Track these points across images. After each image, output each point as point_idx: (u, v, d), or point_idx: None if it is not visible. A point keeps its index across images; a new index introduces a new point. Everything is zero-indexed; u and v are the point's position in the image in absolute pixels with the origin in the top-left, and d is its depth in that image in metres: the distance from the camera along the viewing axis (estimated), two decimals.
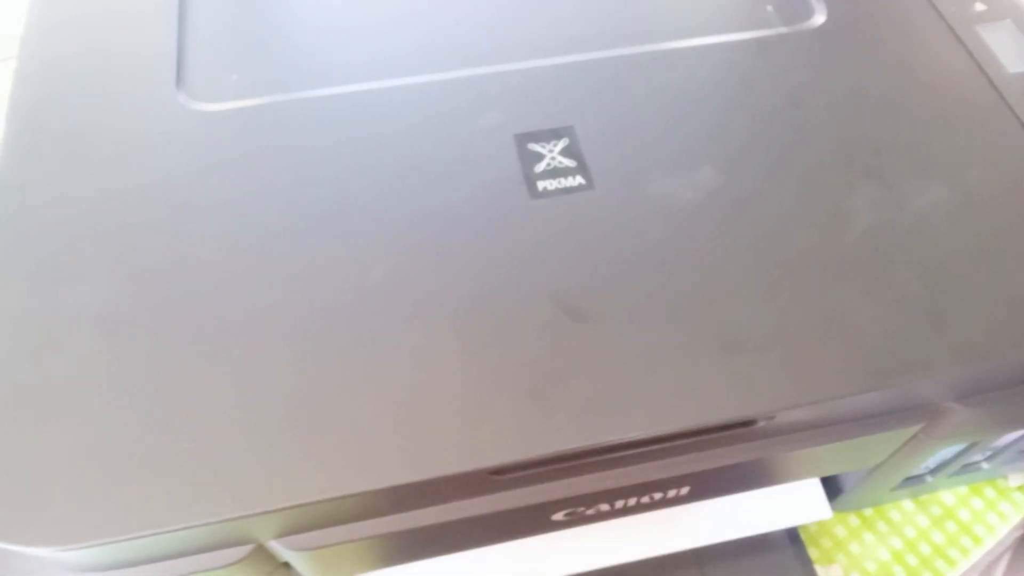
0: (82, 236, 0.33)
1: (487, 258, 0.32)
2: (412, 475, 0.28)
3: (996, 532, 0.46)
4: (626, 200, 0.34)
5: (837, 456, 0.34)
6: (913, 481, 0.44)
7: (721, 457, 0.32)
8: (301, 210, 0.33)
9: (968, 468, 0.44)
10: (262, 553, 0.30)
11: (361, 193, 0.34)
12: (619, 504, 0.33)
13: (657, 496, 0.33)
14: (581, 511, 0.33)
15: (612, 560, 0.39)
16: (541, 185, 0.34)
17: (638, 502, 0.33)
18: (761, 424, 0.30)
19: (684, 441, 0.30)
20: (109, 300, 0.31)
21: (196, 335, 0.30)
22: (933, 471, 0.43)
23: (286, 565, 0.32)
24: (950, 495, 0.47)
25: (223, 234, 0.33)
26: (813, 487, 0.41)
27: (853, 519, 0.46)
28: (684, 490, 0.33)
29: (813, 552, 0.44)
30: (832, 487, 0.44)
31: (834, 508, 0.43)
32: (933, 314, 0.31)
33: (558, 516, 0.33)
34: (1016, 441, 0.42)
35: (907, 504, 0.46)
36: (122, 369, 0.29)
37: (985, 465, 0.44)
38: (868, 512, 0.46)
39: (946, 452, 0.40)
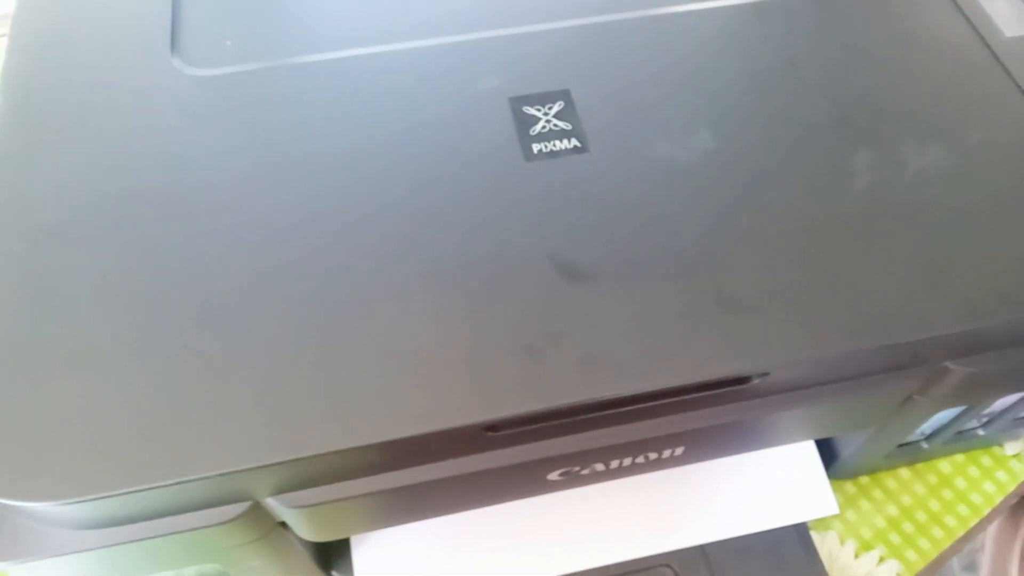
0: (81, 200, 0.33)
1: (482, 218, 0.32)
2: (407, 430, 0.28)
3: (992, 500, 0.46)
4: (622, 162, 0.34)
5: (833, 417, 0.34)
6: (909, 448, 0.44)
7: (716, 416, 0.32)
8: (297, 173, 0.33)
9: (964, 435, 0.44)
10: (259, 511, 0.30)
11: (357, 156, 0.34)
12: (614, 464, 0.33)
13: (652, 456, 0.33)
14: (576, 470, 0.33)
15: (615, 557, 0.39)
16: (536, 147, 0.34)
17: (633, 462, 0.33)
18: (756, 381, 0.31)
19: (679, 398, 0.30)
20: (108, 262, 0.31)
21: (194, 295, 0.30)
22: (929, 437, 0.43)
23: (283, 524, 0.32)
24: (946, 463, 0.47)
25: (220, 197, 0.33)
26: (820, 481, 0.42)
27: (849, 487, 0.46)
28: (679, 450, 0.33)
29: None
30: (828, 453, 0.44)
31: (830, 476, 0.44)
32: (931, 273, 0.31)
33: (553, 476, 0.33)
34: (1012, 407, 0.42)
35: (903, 472, 0.46)
36: (121, 328, 0.29)
37: (981, 432, 0.44)
38: (864, 480, 0.46)
39: (942, 416, 0.40)
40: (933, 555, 0.44)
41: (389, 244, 0.31)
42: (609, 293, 0.30)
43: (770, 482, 0.42)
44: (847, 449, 0.42)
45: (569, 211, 0.32)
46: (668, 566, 0.40)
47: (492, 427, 0.29)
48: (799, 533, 0.41)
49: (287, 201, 0.32)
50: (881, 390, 0.33)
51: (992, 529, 0.57)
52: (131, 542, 0.29)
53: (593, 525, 0.40)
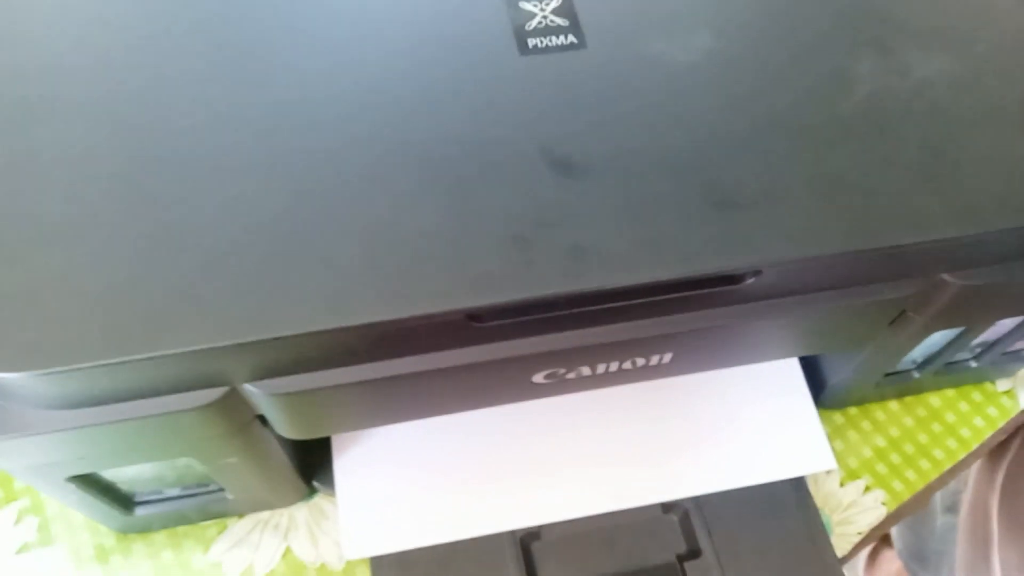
0: (52, 77, 0.31)
1: (474, 111, 0.31)
2: (389, 313, 0.27)
3: (982, 435, 0.46)
4: (619, 59, 0.33)
5: (824, 329, 0.34)
6: (899, 377, 0.43)
7: (705, 319, 0.31)
8: (288, 60, 0.32)
9: (956, 367, 0.44)
10: (236, 398, 0.29)
11: (350, 46, 0.32)
12: (601, 368, 0.32)
13: (640, 362, 0.33)
14: (562, 373, 0.32)
15: (610, 506, 0.39)
16: (531, 42, 0.33)
17: (620, 368, 0.33)
18: (748, 281, 0.30)
19: (668, 296, 0.30)
20: (84, 136, 0.30)
21: (175, 170, 0.29)
22: (920, 367, 0.43)
23: (261, 418, 0.32)
24: (936, 398, 0.46)
25: (207, 77, 0.31)
26: (818, 436, 0.41)
27: (838, 417, 0.45)
28: (667, 356, 0.33)
29: None
30: (817, 381, 0.43)
31: (818, 406, 0.43)
32: (931, 177, 0.30)
33: (539, 378, 0.32)
34: (1005, 338, 0.41)
35: (892, 405, 0.46)
36: (98, 201, 0.28)
37: (973, 364, 0.44)
38: (853, 411, 0.46)
39: (934, 343, 0.40)
40: (919, 486, 0.44)
41: (378, 132, 0.30)
42: (600, 187, 0.29)
43: (768, 436, 0.41)
44: (836, 376, 0.42)
45: (562, 107, 0.31)
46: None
47: (477, 317, 0.28)
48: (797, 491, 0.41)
49: (275, 83, 0.31)
50: (875, 301, 0.32)
51: (974, 469, 0.57)
52: (102, 424, 0.28)
53: (584, 468, 0.40)
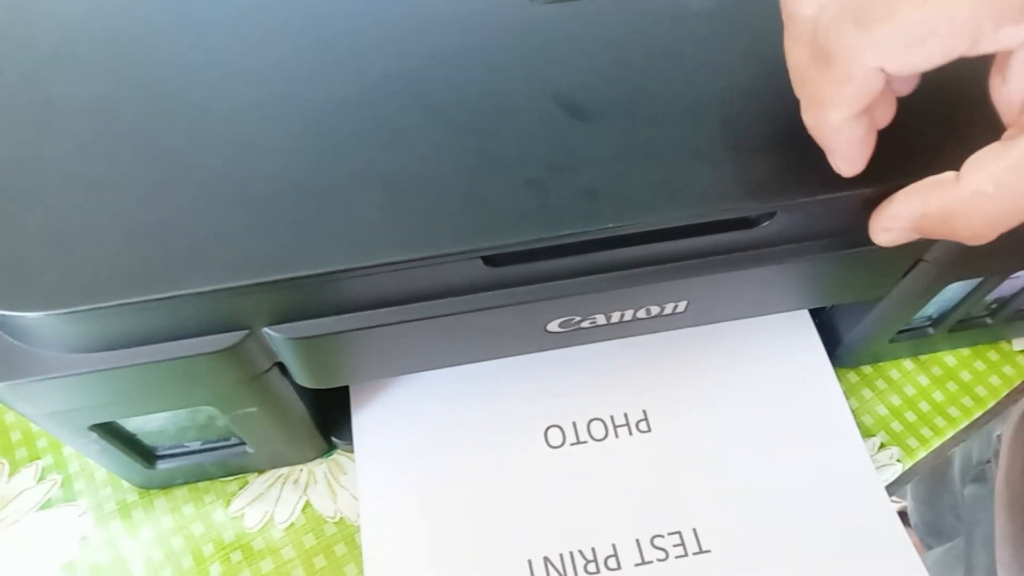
0: (73, 38, 0.32)
1: (485, 58, 0.31)
2: (406, 253, 0.27)
3: (998, 393, 0.45)
4: (632, 7, 0.33)
5: (839, 276, 0.34)
6: (914, 333, 0.43)
7: (720, 265, 0.31)
8: (299, 10, 0.32)
9: (971, 323, 0.44)
10: (255, 343, 0.29)
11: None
12: (615, 316, 0.33)
13: (655, 310, 0.33)
14: (577, 321, 0.32)
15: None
16: None
17: (635, 316, 0.33)
18: (763, 225, 0.30)
19: (683, 242, 0.30)
20: (106, 83, 0.30)
21: (198, 116, 0.30)
22: (935, 322, 0.43)
23: (280, 367, 0.32)
24: (951, 357, 0.46)
25: (220, 32, 0.32)
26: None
27: (852, 376, 0.45)
28: (681, 304, 0.33)
29: None
30: (831, 337, 0.43)
31: (833, 363, 0.43)
32: (946, 118, 0.30)
33: (553, 326, 0.32)
34: (1021, 294, 0.41)
35: (907, 364, 0.46)
36: (120, 145, 0.29)
37: (989, 321, 0.44)
38: (867, 370, 0.46)
39: (949, 297, 0.40)
40: (935, 443, 0.44)
41: (392, 79, 0.31)
42: (614, 131, 0.30)
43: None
44: (851, 331, 0.42)
45: (575, 54, 0.32)
46: None
47: (492, 261, 0.29)
48: None
49: (288, 33, 0.32)
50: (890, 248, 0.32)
51: (1007, 436, 0.57)
52: (122, 367, 0.28)
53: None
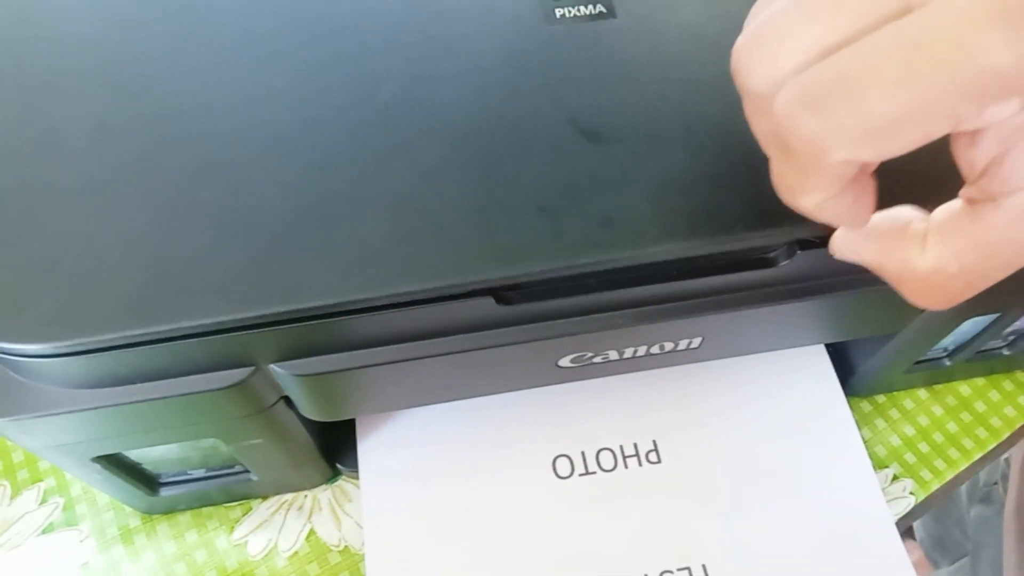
0: (74, 58, 0.31)
1: (499, 81, 0.31)
2: (414, 284, 0.26)
3: (1013, 424, 0.45)
4: (649, 29, 0.32)
5: (856, 311, 0.33)
6: (929, 364, 0.42)
7: (736, 302, 0.30)
8: (306, 28, 0.32)
9: (987, 355, 0.43)
10: (262, 379, 0.29)
11: (373, 15, 0.32)
12: (628, 352, 0.32)
13: (668, 347, 0.32)
14: (589, 356, 0.32)
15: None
16: (559, 12, 0.32)
17: (648, 352, 0.32)
18: (781, 264, 0.29)
19: (699, 281, 0.29)
20: (105, 112, 0.29)
21: (200, 143, 0.29)
22: (951, 353, 0.42)
23: (286, 400, 0.31)
24: (966, 386, 0.46)
25: (226, 55, 0.31)
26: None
27: (865, 405, 0.45)
28: (696, 341, 0.32)
29: None
30: (845, 367, 0.43)
31: (846, 392, 0.43)
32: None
33: (565, 361, 0.32)
34: None
35: (921, 393, 0.45)
36: (121, 174, 0.28)
37: (1006, 352, 0.43)
38: (880, 399, 0.45)
39: (966, 329, 0.39)
40: (948, 476, 0.43)
41: (404, 103, 0.30)
42: (631, 158, 0.29)
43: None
44: (865, 362, 0.41)
45: (592, 76, 0.31)
46: None
47: (503, 298, 0.28)
48: None
49: (294, 56, 0.31)
50: None
51: (1015, 465, 0.56)
52: (126, 403, 0.28)
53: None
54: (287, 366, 0.28)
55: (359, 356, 0.29)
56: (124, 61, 0.31)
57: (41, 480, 0.41)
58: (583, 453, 0.40)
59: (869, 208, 0.23)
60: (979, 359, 0.43)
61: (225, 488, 0.39)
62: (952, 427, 0.44)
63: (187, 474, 0.37)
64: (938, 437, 0.44)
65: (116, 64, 0.31)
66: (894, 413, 0.45)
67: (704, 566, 0.37)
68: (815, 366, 0.43)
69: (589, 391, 0.41)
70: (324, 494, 0.41)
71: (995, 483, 0.63)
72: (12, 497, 0.40)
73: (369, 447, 0.40)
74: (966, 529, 0.73)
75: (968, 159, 0.20)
